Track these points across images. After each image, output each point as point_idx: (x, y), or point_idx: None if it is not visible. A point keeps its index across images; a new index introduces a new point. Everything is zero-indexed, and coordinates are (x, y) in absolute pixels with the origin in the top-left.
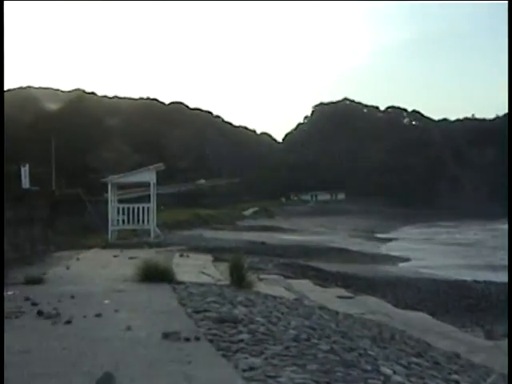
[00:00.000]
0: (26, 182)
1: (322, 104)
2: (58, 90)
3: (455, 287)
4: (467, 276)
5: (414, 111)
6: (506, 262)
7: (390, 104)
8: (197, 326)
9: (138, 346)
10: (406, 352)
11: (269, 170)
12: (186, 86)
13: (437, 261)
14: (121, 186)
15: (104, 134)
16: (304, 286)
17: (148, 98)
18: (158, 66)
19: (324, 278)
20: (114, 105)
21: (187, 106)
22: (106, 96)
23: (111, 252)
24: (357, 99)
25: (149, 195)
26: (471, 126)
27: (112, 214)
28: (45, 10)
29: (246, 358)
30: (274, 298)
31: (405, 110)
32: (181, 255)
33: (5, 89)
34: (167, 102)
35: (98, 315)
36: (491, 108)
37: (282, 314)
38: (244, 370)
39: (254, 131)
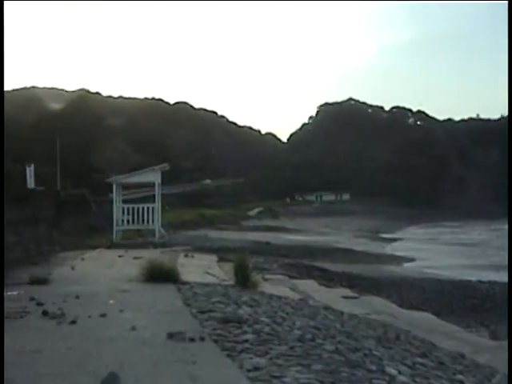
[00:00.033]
0: (31, 182)
1: (326, 104)
2: (62, 90)
3: (460, 287)
4: (472, 276)
5: (418, 111)
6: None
7: (394, 104)
8: (202, 326)
9: (142, 346)
10: (411, 352)
11: (273, 171)
12: (190, 86)
13: (441, 261)
14: (126, 186)
15: (109, 134)
16: (309, 286)
17: (153, 98)
18: (163, 66)
19: (329, 279)
20: (118, 105)
21: (192, 106)
22: (110, 96)
23: (116, 252)
24: (361, 99)
25: (153, 195)
26: (476, 126)
27: (117, 214)
28: (51, 10)
29: (251, 358)
30: (279, 298)
31: (409, 110)
32: (185, 255)
33: (10, 89)
34: (172, 102)
35: (103, 315)
36: (496, 108)
37: (287, 314)
38: (249, 370)
39: (259, 131)
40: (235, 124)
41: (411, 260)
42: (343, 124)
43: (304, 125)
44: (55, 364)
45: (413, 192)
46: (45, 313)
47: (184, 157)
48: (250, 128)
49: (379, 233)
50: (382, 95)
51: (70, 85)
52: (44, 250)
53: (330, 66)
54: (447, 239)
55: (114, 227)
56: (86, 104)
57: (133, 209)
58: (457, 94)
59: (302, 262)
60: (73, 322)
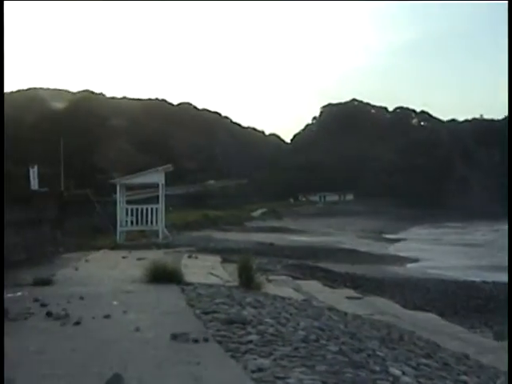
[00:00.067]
0: (34, 184)
1: (330, 105)
2: (66, 91)
3: (464, 288)
4: (476, 277)
5: (422, 112)
6: None
7: (398, 105)
8: (205, 327)
9: (146, 347)
10: (415, 353)
11: (277, 171)
12: (194, 86)
13: (445, 261)
14: (129, 187)
15: (112, 135)
16: (313, 286)
17: (156, 99)
18: (167, 67)
19: (333, 279)
20: (122, 106)
21: (195, 107)
22: (114, 97)
23: (120, 253)
24: (365, 100)
25: (157, 196)
26: (480, 126)
27: (120, 215)
28: (55, 11)
29: (255, 359)
30: (283, 298)
31: (413, 110)
32: (189, 256)
33: (14, 90)
34: (175, 102)
35: (107, 316)
36: (500, 108)
37: (291, 314)
38: (253, 371)
39: (263, 132)
40: (239, 125)
41: (415, 260)
42: (347, 124)
43: (307, 125)
44: (59, 365)
45: (416, 192)
46: (49, 314)
47: (188, 158)
48: (254, 129)
49: (383, 233)
50: (386, 96)
51: (74, 86)
52: (48, 251)
53: (333, 67)
54: (451, 240)
55: (118, 228)
56: (90, 105)
57: (136, 210)
58: (461, 94)
59: (306, 263)
60: (77, 323)
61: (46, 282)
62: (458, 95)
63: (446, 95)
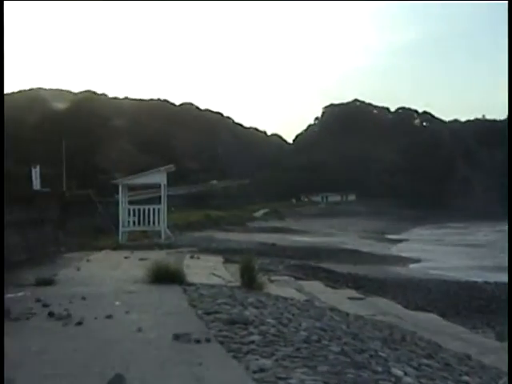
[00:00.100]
0: (36, 184)
1: (332, 105)
2: (68, 91)
3: (466, 288)
4: (477, 277)
5: (424, 112)
6: None
7: (400, 105)
8: (207, 327)
9: (148, 347)
10: (417, 353)
11: (279, 172)
12: (196, 87)
13: (447, 262)
14: (131, 188)
15: (114, 135)
16: (315, 287)
17: (158, 99)
18: (169, 68)
19: (335, 280)
20: (124, 106)
21: (198, 107)
22: (116, 97)
23: (122, 253)
24: (367, 100)
25: (159, 196)
26: (482, 126)
27: (123, 215)
28: (58, 12)
29: (257, 359)
30: (285, 299)
31: (415, 111)
32: (191, 257)
33: (16, 90)
34: (177, 102)
35: (109, 316)
36: (502, 109)
37: (293, 315)
38: (255, 372)
39: (265, 132)
40: (241, 125)
41: (417, 261)
42: (349, 125)
43: (310, 126)
44: (61, 365)
45: (418, 193)
46: (51, 314)
47: (190, 158)
48: (256, 129)
49: (385, 234)
50: (388, 96)
51: (76, 86)
52: (50, 251)
53: (335, 67)
54: (453, 240)
55: (120, 228)
56: (92, 105)
57: (139, 210)
58: (463, 94)
59: (308, 264)
60: (79, 324)
61: (47, 282)
62: (460, 95)
63: (448, 95)
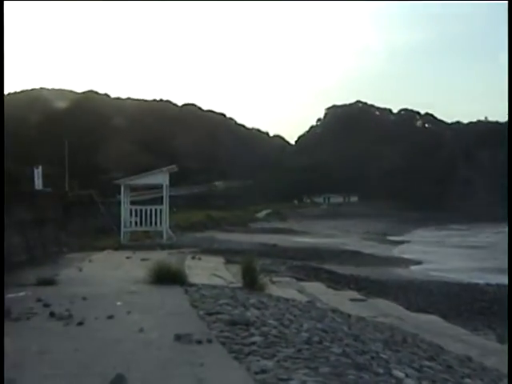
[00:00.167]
0: (38, 184)
1: (334, 106)
2: (71, 91)
3: (467, 290)
4: (479, 279)
5: (426, 114)
6: None
7: (402, 106)
8: (209, 328)
9: (150, 347)
10: (419, 355)
11: (281, 173)
12: (198, 87)
13: (449, 263)
14: (134, 188)
15: (116, 135)
16: (316, 288)
17: (161, 100)
18: (171, 68)
19: (337, 281)
20: (126, 106)
21: (200, 108)
22: (119, 98)
23: (124, 253)
24: (369, 102)
25: (161, 197)
26: (484, 128)
27: (125, 215)
28: (61, 12)
29: (258, 360)
30: (287, 300)
31: (417, 112)
32: (193, 257)
33: (18, 90)
34: (180, 103)
35: (110, 317)
36: (505, 111)
37: (295, 316)
38: (256, 373)
39: (267, 133)
40: (243, 126)
41: (419, 263)
42: (351, 126)
43: (312, 127)
44: (62, 365)
45: (420, 195)
46: (52, 314)
47: (192, 158)
48: (258, 130)
49: (387, 235)
50: (390, 97)
51: (79, 86)
52: (51, 251)
53: (337, 69)
54: (454, 242)
55: (122, 229)
56: (94, 105)
57: (141, 210)
58: (465, 96)
59: (310, 265)
60: (80, 324)
61: (49, 282)
62: (462, 97)
63: (450, 97)
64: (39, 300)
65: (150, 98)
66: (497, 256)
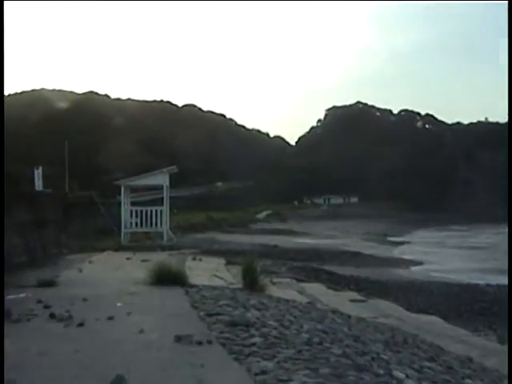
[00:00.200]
0: (39, 185)
1: (334, 107)
2: (71, 92)
3: (468, 291)
4: (480, 279)
5: (427, 115)
6: None
7: (403, 107)
8: (209, 329)
9: (150, 348)
10: (419, 356)
11: (282, 173)
12: (199, 88)
13: (449, 264)
14: (134, 189)
15: (117, 136)
16: (317, 289)
17: (161, 101)
18: (172, 69)
19: (337, 282)
20: (127, 107)
21: (200, 109)
22: (119, 98)
23: (124, 255)
24: (370, 102)
25: (162, 198)
26: (484, 129)
27: (125, 216)
28: (62, 13)
29: (259, 361)
30: (287, 301)
31: (418, 113)
32: (193, 258)
33: (19, 91)
34: (180, 104)
35: (111, 318)
36: (506, 111)
37: (295, 317)
38: (256, 374)
39: (267, 134)
40: (243, 127)
41: (419, 263)
42: (351, 127)
43: (312, 128)
44: (62, 366)
45: (421, 195)
46: (52, 315)
47: (192, 159)
48: (259, 131)
49: (387, 236)
50: (391, 98)
51: (79, 87)
52: (52, 252)
53: (338, 70)
54: (455, 242)
55: (122, 230)
56: (95, 106)
57: (141, 211)
58: (466, 97)
59: (310, 265)
60: (80, 325)
61: (49, 284)
62: (463, 98)
63: (450, 98)
64: (39, 301)
65: (150, 98)
66: (497, 257)
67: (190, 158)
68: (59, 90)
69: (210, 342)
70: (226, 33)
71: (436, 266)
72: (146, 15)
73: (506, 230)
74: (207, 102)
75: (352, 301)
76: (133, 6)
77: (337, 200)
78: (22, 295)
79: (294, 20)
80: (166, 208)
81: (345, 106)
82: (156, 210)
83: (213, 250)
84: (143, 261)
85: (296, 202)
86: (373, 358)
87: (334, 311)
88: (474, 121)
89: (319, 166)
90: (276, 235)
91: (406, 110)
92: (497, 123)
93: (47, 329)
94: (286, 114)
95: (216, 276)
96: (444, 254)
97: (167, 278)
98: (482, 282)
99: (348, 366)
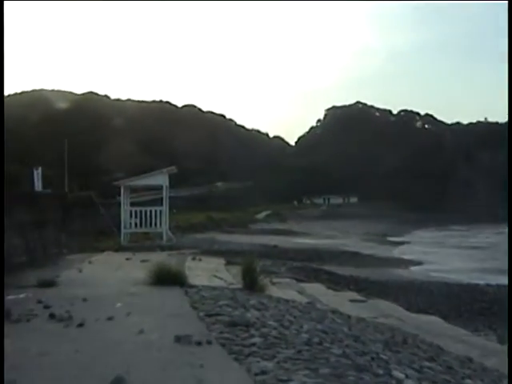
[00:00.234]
0: (38, 185)
1: (334, 107)
2: (71, 92)
3: (467, 291)
4: (479, 279)
5: (426, 115)
6: None
7: (402, 107)
8: (209, 329)
9: (149, 349)
10: (419, 356)
11: (281, 174)
12: (198, 88)
13: (449, 264)
14: (133, 189)
15: (116, 137)
16: (316, 289)
17: (161, 101)
18: (171, 69)
19: (336, 282)
20: (126, 107)
21: (200, 109)
22: (119, 99)
23: (123, 255)
24: (369, 103)
25: (161, 198)
26: (484, 129)
27: (124, 216)
28: (62, 14)
29: (258, 361)
30: (287, 301)
31: (417, 113)
32: (193, 258)
33: (19, 91)
34: (180, 104)
35: (110, 318)
36: (505, 111)
37: (295, 317)
38: (256, 374)
39: (267, 134)
40: (243, 127)
41: (419, 263)
42: (351, 127)
43: (312, 128)
44: (62, 367)
45: (420, 195)
46: (52, 316)
47: (192, 159)
48: (258, 131)
49: (387, 236)
50: (390, 98)
51: (79, 87)
52: (52, 252)
53: (337, 69)
54: (454, 242)
55: (122, 230)
56: (94, 106)
57: (140, 212)
58: (465, 96)
59: (310, 266)
60: (80, 325)
61: (49, 284)
62: (462, 98)
63: (450, 98)
64: (39, 301)
65: (149, 99)
66: (497, 257)
67: (189, 159)
68: (59, 91)
69: (209, 343)
70: (225, 33)
71: (436, 266)
72: (146, 16)
73: (506, 230)
74: (207, 103)
75: (352, 301)
76: (132, 7)
77: (336, 200)
78: (22, 295)
79: (294, 20)
80: (165, 208)
81: (344, 106)
82: (156, 211)
83: (212, 250)
84: (143, 261)
85: (295, 202)
86: (372, 358)
87: (334, 311)
88: (474, 121)
89: (319, 166)
90: (276, 235)
91: (405, 110)
92: (496, 123)
93: (47, 329)
94: (285, 114)
95: (216, 276)
96: (444, 254)
97: (167, 279)
98: (481, 282)
99: (348, 366)
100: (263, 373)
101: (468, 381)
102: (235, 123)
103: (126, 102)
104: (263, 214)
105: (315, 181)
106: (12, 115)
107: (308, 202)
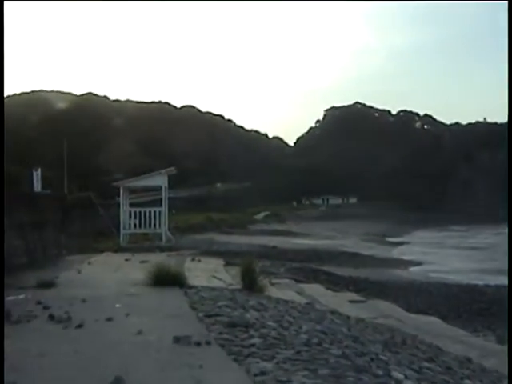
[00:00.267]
0: (38, 186)
1: (333, 108)
2: (70, 93)
3: (467, 291)
4: (478, 280)
5: (425, 115)
6: None
7: (401, 108)
8: (208, 330)
9: (148, 349)
10: (418, 357)
11: (280, 174)
12: (197, 89)
13: (448, 265)
14: (133, 190)
15: (115, 137)
16: (315, 290)
17: (160, 102)
18: (170, 70)
19: (336, 283)
20: (125, 108)
21: (199, 110)
22: (118, 100)
23: (123, 256)
24: (368, 103)
25: (160, 199)
26: (483, 129)
27: (124, 217)
28: (62, 15)
29: (258, 362)
30: (286, 302)
31: (417, 113)
32: (192, 259)
33: (19, 92)
34: (179, 105)
35: (110, 319)
36: (504, 112)
37: (294, 318)
38: (255, 375)
39: (266, 135)
40: (242, 128)
41: (418, 264)
42: (350, 128)
43: (311, 128)
44: (61, 368)
45: (419, 196)
46: (51, 316)
47: (191, 160)
48: (257, 132)
49: (386, 237)
50: (389, 99)
51: (78, 88)
52: (51, 253)
53: (336, 70)
54: (454, 243)
55: (121, 231)
56: (94, 107)
57: (140, 212)
58: (464, 97)
59: (309, 266)
60: (79, 326)
61: (48, 285)
62: (461, 98)
63: (449, 98)
64: (39, 302)
65: (148, 99)
66: (496, 257)
67: (188, 159)
68: (58, 92)
69: (208, 343)
70: (224, 33)
71: (435, 267)
72: (145, 17)
73: (506, 231)
74: (206, 103)
75: (351, 301)
76: (132, 8)
77: (335, 200)
78: (21, 296)
79: (293, 20)
80: (164, 209)
81: (343, 107)
82: (155, 211)
83: (212, 250)
84: (142, 262)
85: (294, 203)
86: (372, 359)
87: (333, 312)
88: (473, 121)
89: (318, 167)
90: (275, 236)
91: (404, 111)
92: (495, 123)
93: (46, 330)
94: (284, 114)
95: (215, 277)
96: (443, 255)
97: (166, 279)
98: (480, 283)
99: (347, 366)
100: (262, 373)
101: (467, 381)
102: (234, 124)
103: (125, 103)
104: (262, 214)
105: (314, 181)
106: (12, 116)
107: (307, 202)
